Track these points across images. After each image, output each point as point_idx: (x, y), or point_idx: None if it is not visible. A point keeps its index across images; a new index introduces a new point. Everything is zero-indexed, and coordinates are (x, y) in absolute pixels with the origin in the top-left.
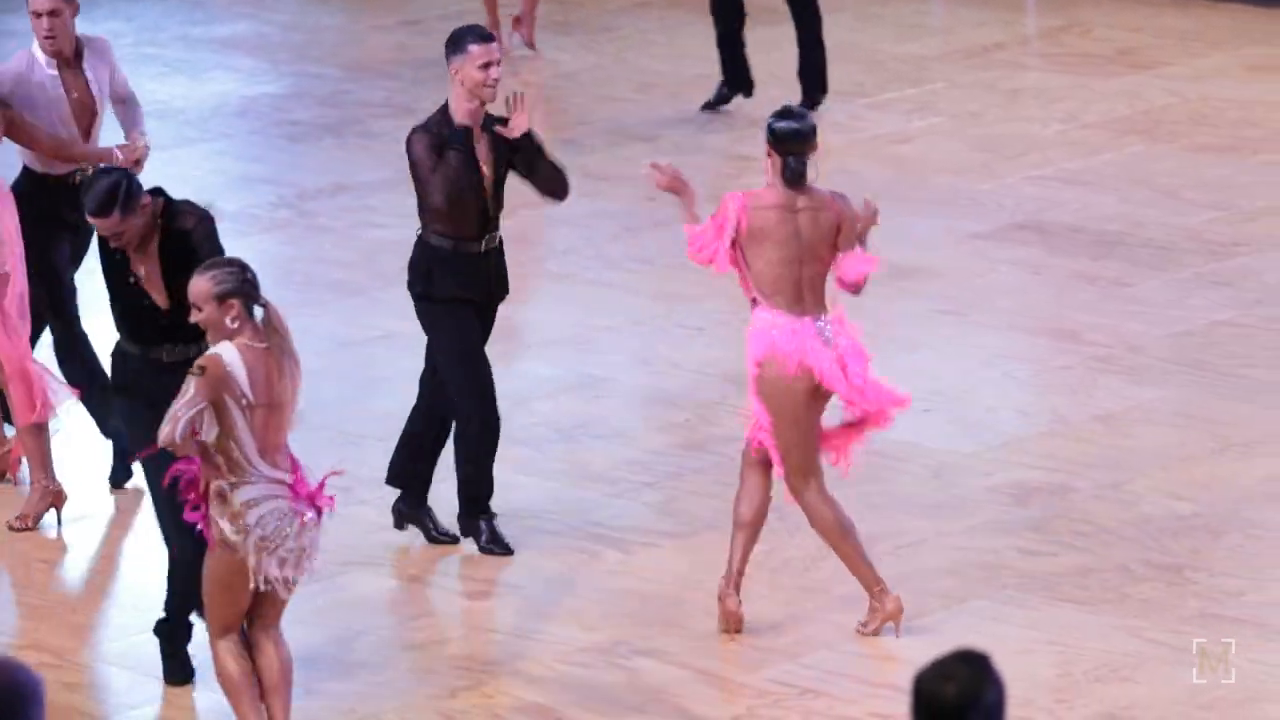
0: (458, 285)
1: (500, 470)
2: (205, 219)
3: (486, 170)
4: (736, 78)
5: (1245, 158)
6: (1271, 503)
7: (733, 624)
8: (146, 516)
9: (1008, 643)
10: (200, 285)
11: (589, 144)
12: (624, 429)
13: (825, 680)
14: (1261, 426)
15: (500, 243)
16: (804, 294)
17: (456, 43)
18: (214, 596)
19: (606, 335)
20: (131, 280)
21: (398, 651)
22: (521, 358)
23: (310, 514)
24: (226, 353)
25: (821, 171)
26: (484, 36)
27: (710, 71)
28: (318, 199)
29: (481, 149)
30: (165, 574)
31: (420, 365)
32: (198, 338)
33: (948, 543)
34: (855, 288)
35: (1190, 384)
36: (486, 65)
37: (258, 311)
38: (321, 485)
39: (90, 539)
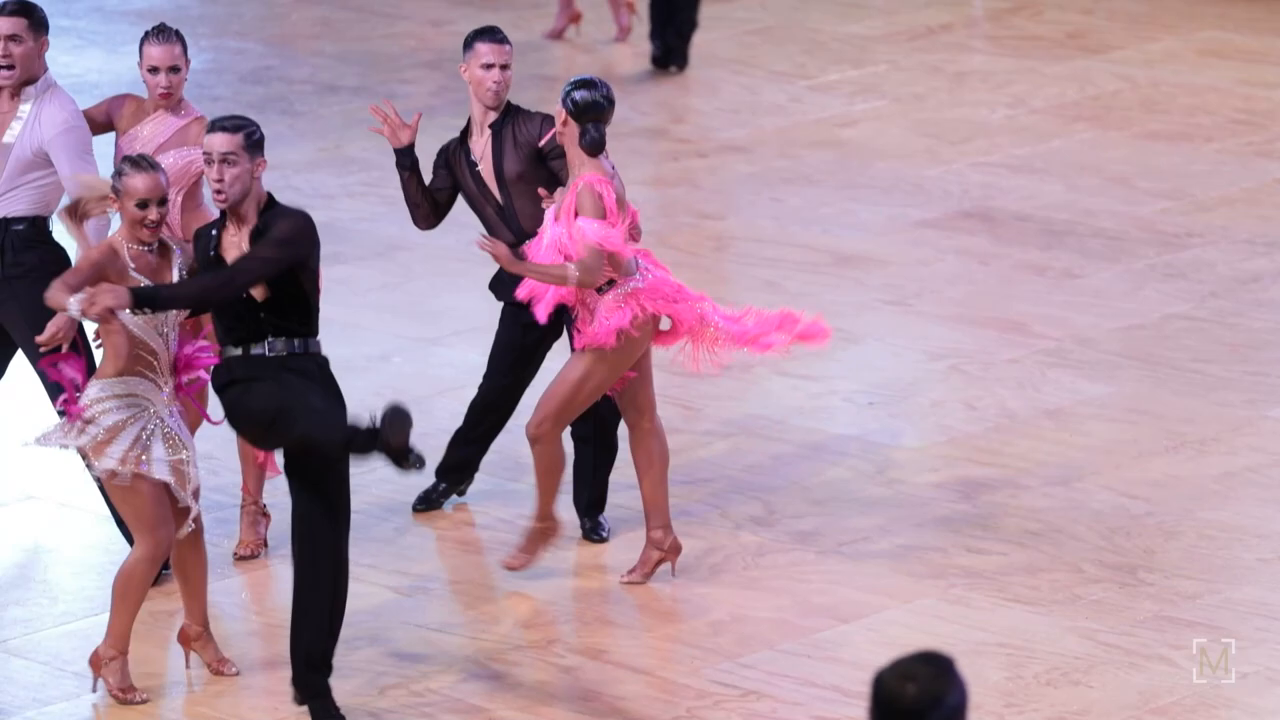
0: (503, 286)
1: (428, 461)
2: (302, 222)
3: (485, 169)
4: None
5: (1198, 145)
6: (1226, 502)
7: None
8: (64, 509)
9: (956, 644)
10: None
11: None
12: None
13: (767, 681)
14: (1215, 423)
15: None
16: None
17: (468, 41)
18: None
19: None
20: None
21: None
22: (450, 344)
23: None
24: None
25: (762, 156)
26: (496, 37)
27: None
28: None
29: (479, 146)
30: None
31: (343, 349)
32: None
33: (893, 540)
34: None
35: (1142, 379)
36: (489, 66)
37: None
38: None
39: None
